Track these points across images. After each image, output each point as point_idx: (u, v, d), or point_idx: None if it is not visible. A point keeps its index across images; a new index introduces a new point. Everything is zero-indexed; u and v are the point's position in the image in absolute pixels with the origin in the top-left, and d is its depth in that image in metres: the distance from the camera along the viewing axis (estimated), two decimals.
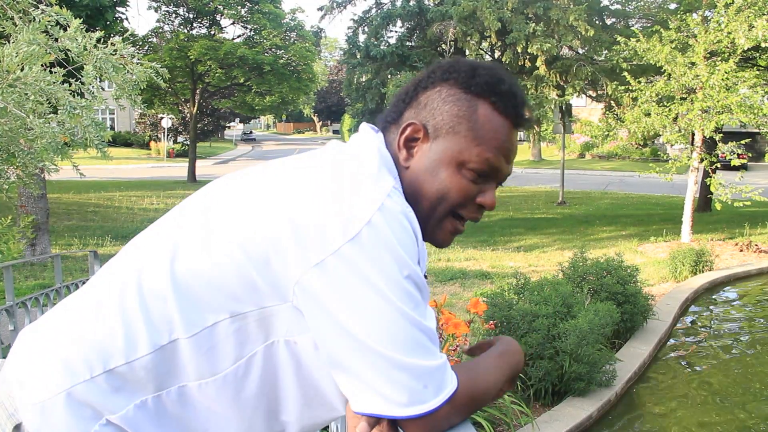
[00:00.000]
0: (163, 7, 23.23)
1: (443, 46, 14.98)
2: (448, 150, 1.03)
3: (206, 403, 0.97)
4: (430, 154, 1.04)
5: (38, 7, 2.91)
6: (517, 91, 1.06)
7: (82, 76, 2.95)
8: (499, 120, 1.04)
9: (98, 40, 2.96)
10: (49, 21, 2.76)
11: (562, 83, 14.78)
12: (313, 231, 0.89)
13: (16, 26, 2.81)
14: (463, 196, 1.04)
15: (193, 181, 22.79)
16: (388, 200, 0.92)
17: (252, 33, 23.68)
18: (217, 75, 23.45)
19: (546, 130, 25.74)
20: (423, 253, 1.02)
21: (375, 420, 0.94)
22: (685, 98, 10.40)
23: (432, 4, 15.25)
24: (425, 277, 1.06)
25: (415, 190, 1.04)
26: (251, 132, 62.63)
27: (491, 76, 1.05)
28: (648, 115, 10.56)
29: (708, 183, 10.84)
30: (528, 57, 14.20)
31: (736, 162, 10.40)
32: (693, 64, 10.22)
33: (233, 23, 24.10)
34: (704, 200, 14.78)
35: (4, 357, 2.86)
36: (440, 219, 1.06)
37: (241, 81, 23.68)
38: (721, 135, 10.53)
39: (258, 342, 0.95)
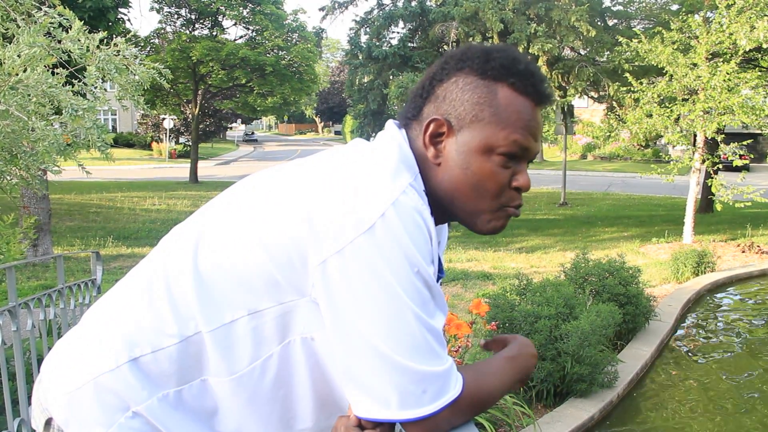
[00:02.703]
0: (166, 8, 23.26)
1: (445, 47, 14.97)
2: (475, 139, 1.01)
3: (224, 400, 0.98)
4: (458, 147, 1.02)
5: (41, 9, 2.92)
6: (534, 69, 1.04)
7: (84, 78, 2.96)
8: (521, 100, 1.02)
9: (101, 41, 2.97)
10: (51, 23, 2.77)
11: (563, 84, 14.77)
12: (328, 226, 0.90)
13: (20, 28, 2.82)
14: (497, 184, 1.02)
15: (194, 182, 22.80)
16: (403, 196, 0.92)
17: (254, 34, 23.72)
18: (219, 76, 23.46)
19: (548, 131, 25.72)
20: (442, 248, 1.01)
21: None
22: (687, 99, 10.39)
23: (434, 5, 15.22)
24: (442, 275, 1.06)
25: (451, 186, 1.03)
26: (253, 133, 62.68)
27: (506, 58, 1.03)
28: (650, 116, 10.55)
29: (710, 184, 10.83)
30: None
31: (738, 163, 10.38)
32: (695, 65, 10.21)
33: (235, 24, 24.12)
34: (706, 201, 14.75)
35: (7, 358, 2.86)
36: (493, 211, 1.04)
37: (243, 82, 23.69)
38: (723, 136, 10.52)
39: (274, 343, 0.96)
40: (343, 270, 0.88)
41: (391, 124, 1.09)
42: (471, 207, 1.03)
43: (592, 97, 16.56)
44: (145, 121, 38.23)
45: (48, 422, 1.01)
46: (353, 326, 0.89)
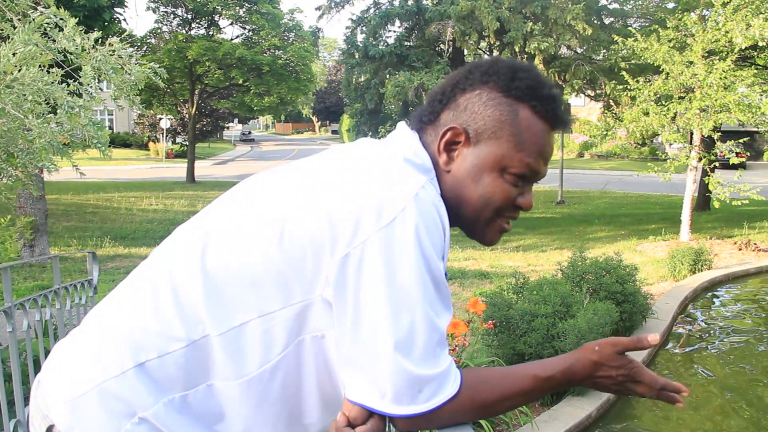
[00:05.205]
0: (162, 8, 23.20)
1: (441, 45, 14.97)
2: (490, 155, 1.03)
3: (231, 404, 0.97)
4: (472, 158, 1.04)
5: (36, 9, 2.90)
6: (557, 94, 1.06)
7: (80, 77, 2.94)
8: (540, 125, 1.04)
9: (96, 41, 2.96)
10: (47, 22, 2.76)
11: (560, 82, 14.78)
12: (348, 223, 0.90)
13: (15, 28, 2.81)
14: (505, 199, 1.05)
15: (192, 182, 22.76)
16: (422, 191, 0.94)
17: (250, 33, 23.65)
18: (215, 76, 23.40)
19: None
20: (446, 250, 1.03)
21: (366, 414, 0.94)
22: (684, 97, 10.40)
23: (430, 4, 15.21)
24: (445, 276, 1.07)
25: (458, 194, 1.05)
26: (250, 132, 62.62)
27: (532, 79, 1.05)
28: (646, 114, 10.55)
29: (707, 182, 10.85)
30: (526, 56, 14.20)
31: (734, 160, 10.40)
32: (691, 63, 10.22)
33: (231, 24, 24.06)
34: (703, 199, 14.78)
35: (2, 359, 2.84)
36: (487, 222, 1.07)
37: (240, 81, 23.61)
38: (720, 134, 10.54)
39: (284, 346, 0.95)
40: (361, 265, 0.89)
41: (403, 126, 1.10)
42: (473, 215, 1.06)
43: (588, 96, 16.59)
44: (141, 121, 38.13)
45: (49, 429, 0.99)
46: (364, 319, 0.89)
